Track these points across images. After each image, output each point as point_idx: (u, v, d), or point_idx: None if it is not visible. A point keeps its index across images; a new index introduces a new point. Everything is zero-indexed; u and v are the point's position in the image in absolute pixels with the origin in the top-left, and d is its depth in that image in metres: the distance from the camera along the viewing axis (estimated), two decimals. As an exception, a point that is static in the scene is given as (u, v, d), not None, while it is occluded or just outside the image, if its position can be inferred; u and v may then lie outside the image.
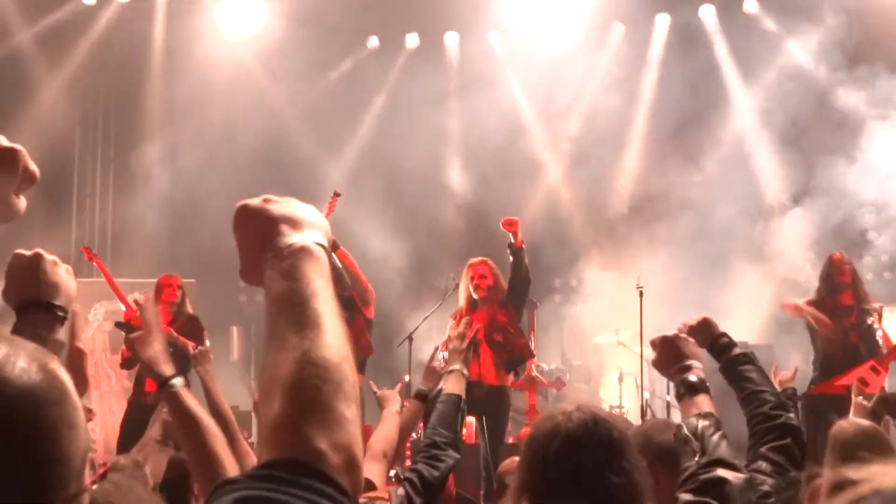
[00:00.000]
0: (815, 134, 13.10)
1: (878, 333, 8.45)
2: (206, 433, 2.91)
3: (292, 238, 1.55)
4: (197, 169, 13.67)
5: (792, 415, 3.75)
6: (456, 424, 4.37)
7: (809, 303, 8.73)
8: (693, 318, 3.63)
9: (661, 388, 11.51)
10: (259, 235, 1.58)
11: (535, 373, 11.13)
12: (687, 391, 3.08)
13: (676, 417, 7.31)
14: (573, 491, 2.69)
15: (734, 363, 3.58)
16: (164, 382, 3.05)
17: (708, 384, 3.09)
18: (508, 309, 9.01)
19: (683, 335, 3.30)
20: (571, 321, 13.18)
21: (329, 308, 1.49)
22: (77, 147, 14.64)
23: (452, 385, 4.54)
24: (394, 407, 5.29)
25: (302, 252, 1.54)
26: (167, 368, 3.10)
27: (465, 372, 4.65)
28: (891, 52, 12.77)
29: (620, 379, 11.88)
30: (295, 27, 13.91)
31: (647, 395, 11.13)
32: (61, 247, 13.51)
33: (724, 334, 3.64)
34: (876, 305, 8.77)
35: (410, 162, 13.90)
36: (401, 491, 4.07)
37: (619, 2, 13.76)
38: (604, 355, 12.70)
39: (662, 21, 14.11)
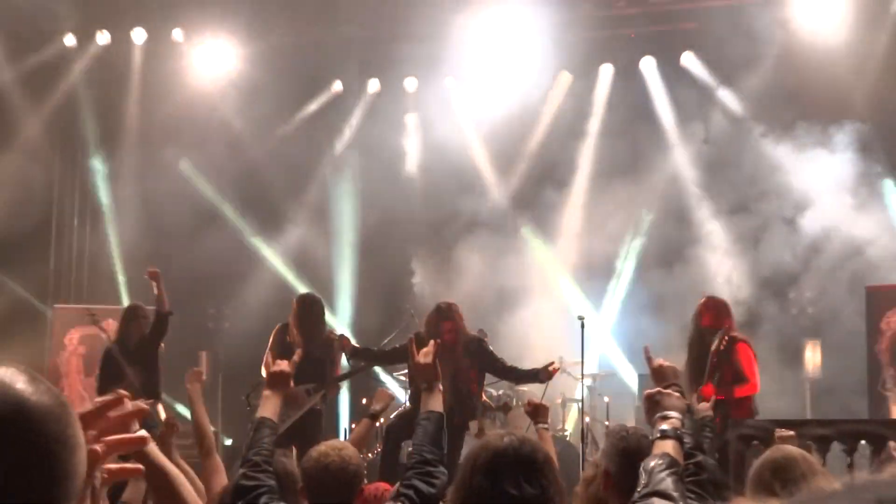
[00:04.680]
0: (746, 177, 13.29)
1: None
2: (175, 482, 2.92)
3: None
4: (169, 202, 13.70)
5: (706, 457, 4.14)
6: (442, 441, 4.16)
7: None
8: (661, 362, 3.95)
9: (602, 413, 11.66)
10: None
11: (484, 398, 11.16)
12: (659, 437, 3.36)
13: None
14: (493, 498, 2.99)
15: None
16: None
17: (680, 433, 3.40)
18: (472, 359, 8.89)
19: (668, 391, 3.54)
20: (519, 349, 12.86)
21: None
22: (56, 180, 14.68)
23: (433, 403, 4.26)
24: None
25: None
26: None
27: (441, 386, 4.38)
28: (816, 101, 12.92)
29: (563, 404, 11.94)
30: (263, 71, 14.11)
31: (587, 419, 11.18)
32: (40, 274, 14.07)
33: (676, 384, 3.79)
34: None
35: (372, 196, 14.15)
36: None
37: (567, 52, 13.89)
38: (548, 382, 12.64)
39: (606, 71, 14.27)
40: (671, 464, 3.16)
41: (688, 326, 8.66)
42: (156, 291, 9.42)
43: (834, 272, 12.68)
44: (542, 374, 8.84)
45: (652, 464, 3.17)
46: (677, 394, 3.53)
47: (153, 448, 2.97)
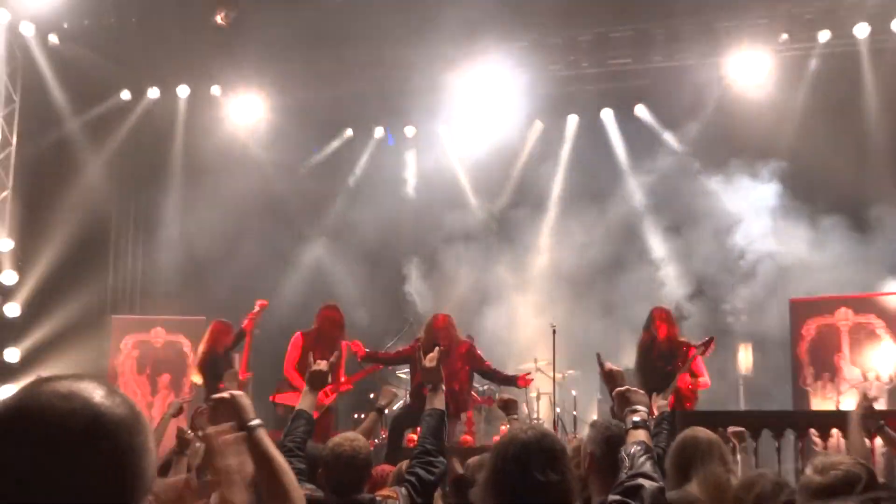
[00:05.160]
0: (684, 202, 13.93)
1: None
2: (280, 470, 2.82)
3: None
4: (210, 228, 14.19)
5: (661, 444, 4.87)
6: (442, 434, 4.36)
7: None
8: (610, 366, 4.06)
9: (570, 405, 12.34)
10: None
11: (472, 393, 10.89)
12: (631, 427, 3.55)
13: (581, 429, 8.41)
14: (523, 483, 3.13)
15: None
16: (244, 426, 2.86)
17: (647, 423, 3.61)
18: (463, 361, 9.33)
19: (634, 388, 3.73)
20: (500, 350, 13.19)
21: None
22: (114, 211, 15.13)
23: (438, 401, 4.42)
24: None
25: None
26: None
27: (443, 387, 4.53)
28: (745, 143, 13.54)
29: (538, 398, 12.58)
30: (286, 119, 14.72)
31: (558, 410, 11.73)
32: (101, 289, 14.50)
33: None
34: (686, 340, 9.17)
35: (376, 224, 14.64)
36: (404, 491, 4.14)
37: (539, 105, 14.53)
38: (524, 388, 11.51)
39: (572, 120, 15.02)
40: (647, 449, 3.36)
41: (641, 333, 9.22)
42: (252, 314, 10.44)
43: (759, 283, 13.23)
44: (520, 382, 9.53)
45: (632, 450, 3.35)
46: (642, 391, 3.73)
47: (262, 435, 2.82)
